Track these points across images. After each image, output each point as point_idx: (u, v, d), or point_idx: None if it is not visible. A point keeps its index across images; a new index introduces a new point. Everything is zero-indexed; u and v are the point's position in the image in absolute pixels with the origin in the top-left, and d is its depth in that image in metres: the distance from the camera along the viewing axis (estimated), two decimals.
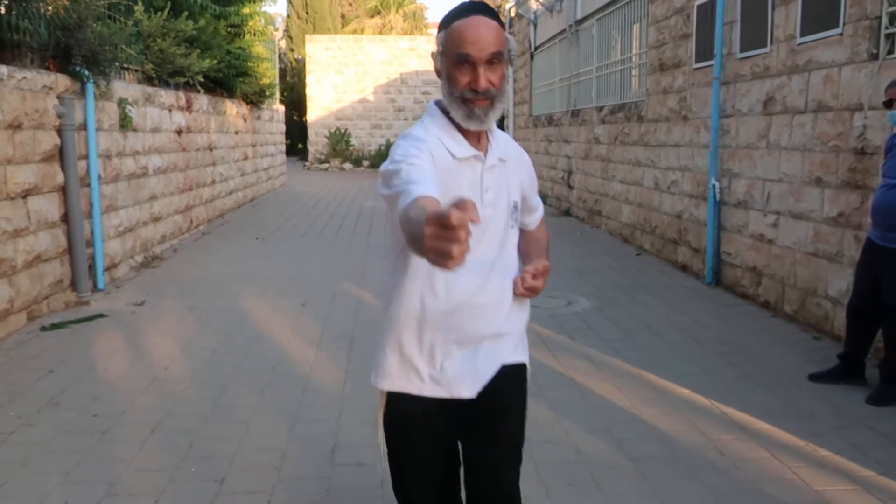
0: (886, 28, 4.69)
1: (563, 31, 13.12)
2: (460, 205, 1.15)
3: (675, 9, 8.00)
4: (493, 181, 1.81)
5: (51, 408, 3.90)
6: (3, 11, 5.39)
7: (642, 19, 9.47)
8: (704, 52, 7.23)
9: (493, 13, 1.73)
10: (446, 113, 1.77)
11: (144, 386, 4.25)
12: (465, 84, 1.69)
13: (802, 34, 5.58)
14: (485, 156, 1.80)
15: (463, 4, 1.75)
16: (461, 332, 1.80)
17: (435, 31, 1.87)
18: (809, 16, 5.49)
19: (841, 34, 5.10)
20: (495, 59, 1.68)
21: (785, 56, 5.83)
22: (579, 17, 12.15)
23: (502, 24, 1.74)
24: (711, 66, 6.98)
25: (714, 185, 6.91)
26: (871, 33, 4.80)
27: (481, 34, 1.66)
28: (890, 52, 4.68)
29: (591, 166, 11.43)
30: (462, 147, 1.77)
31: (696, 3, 7.42)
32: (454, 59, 1.69)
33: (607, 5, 10.86)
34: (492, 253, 1.81)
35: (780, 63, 5.90)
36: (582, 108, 12.04)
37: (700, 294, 6.77)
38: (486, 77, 1.67)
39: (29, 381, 4.29)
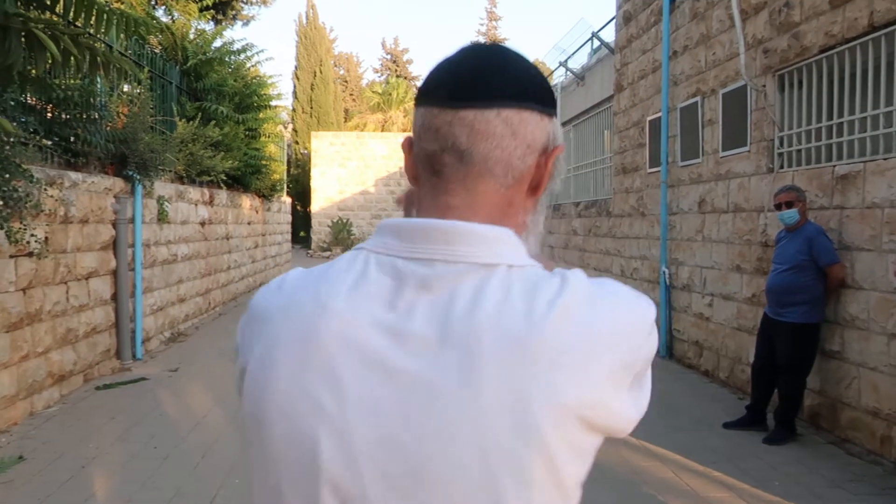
0: (778, 149, 6.00)
1: None
2: None
3: (633, 122, 9.41)
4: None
5: (120, 442, 4.98)
6: (80, 131, 6.70)
7: (610, 128, 10.91)
8: (655, 159, 8.57)
9: None
10: None
11: (191, 427, 5.32)
12: None
13: (724, 149, 6.90)
14: None
15: None
16: None
17: None
18: (727, 135, 6.82)
19: (749, 151, 6.41)
20: None
21: (712, 166, 7.14)
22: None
23: None
24: (660, 171, 8.31)
25: (664, 272, 8.13)
26: (768, 152, 6.10)
27: None
28: (781, 167, 5.97)
29: (570, 255, 12.68)
30: None
31: (648, 119, 8.81)
32: None
33: (581, 114, 12.38)
34: None
35: (709, 171, 7.20)
36: (562, 203, 13.41)
37: (655, 365, 7.82)
38: None
39: (98, 425, 5.36)
